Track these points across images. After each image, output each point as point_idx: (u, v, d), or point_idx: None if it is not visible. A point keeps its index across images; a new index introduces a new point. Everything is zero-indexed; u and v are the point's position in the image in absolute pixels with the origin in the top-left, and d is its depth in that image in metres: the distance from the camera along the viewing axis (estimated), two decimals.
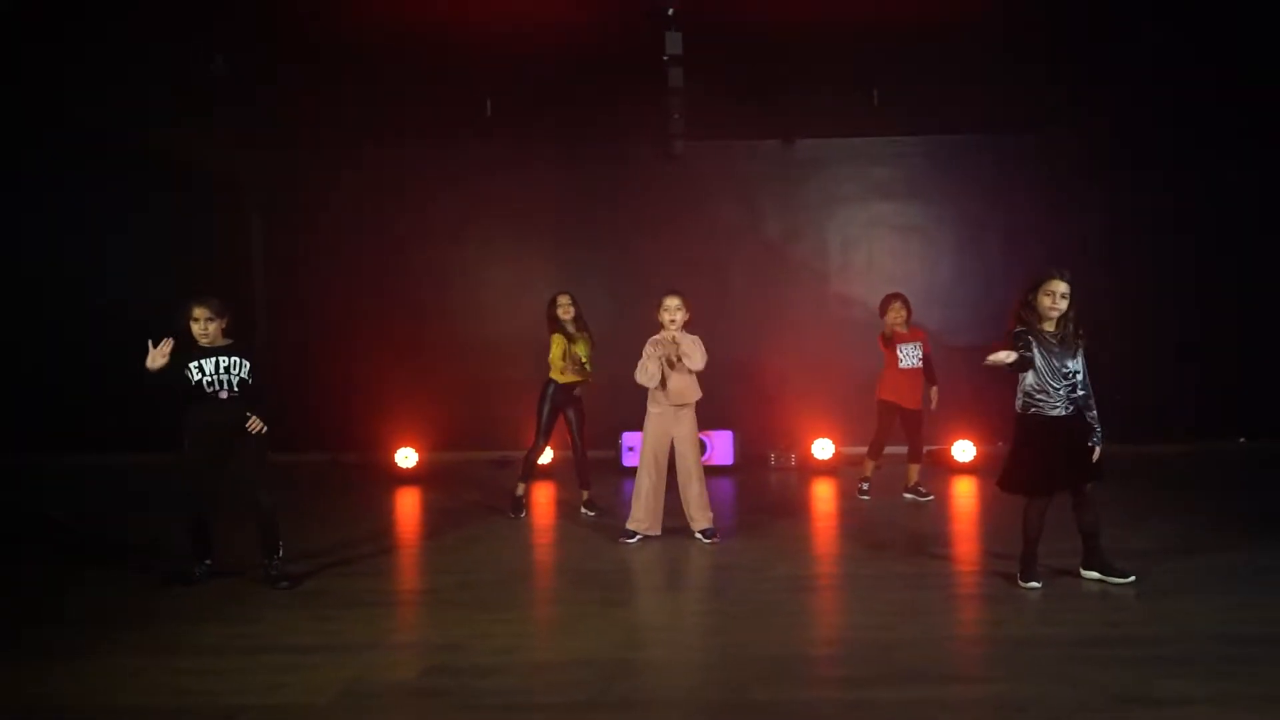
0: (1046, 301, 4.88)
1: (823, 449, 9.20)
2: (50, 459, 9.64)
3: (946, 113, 9.79)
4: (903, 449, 7.72)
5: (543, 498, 8.03)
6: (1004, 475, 5.13)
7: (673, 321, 6.22)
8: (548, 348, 7.13)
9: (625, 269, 10.05)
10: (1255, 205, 9.93)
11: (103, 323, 9.72)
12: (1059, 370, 4.90)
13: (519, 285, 10.00)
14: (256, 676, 3.96)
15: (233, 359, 5.27)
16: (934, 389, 7.61)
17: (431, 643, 4.42)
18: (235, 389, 5.25)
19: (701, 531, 6.30)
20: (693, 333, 6.33)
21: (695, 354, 6.18)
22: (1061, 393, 4.91)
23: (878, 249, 10.41)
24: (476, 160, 10.22)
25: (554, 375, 7.08)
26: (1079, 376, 4.95)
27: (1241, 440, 10.17)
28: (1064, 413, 4.93)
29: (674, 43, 7.08)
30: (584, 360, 7.13)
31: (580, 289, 9.42)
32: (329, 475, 9.31)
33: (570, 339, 7.09)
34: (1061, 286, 4.88)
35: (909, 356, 7.48)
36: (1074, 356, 4.94)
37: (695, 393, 6.34)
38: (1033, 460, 4.98)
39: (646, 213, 10.23)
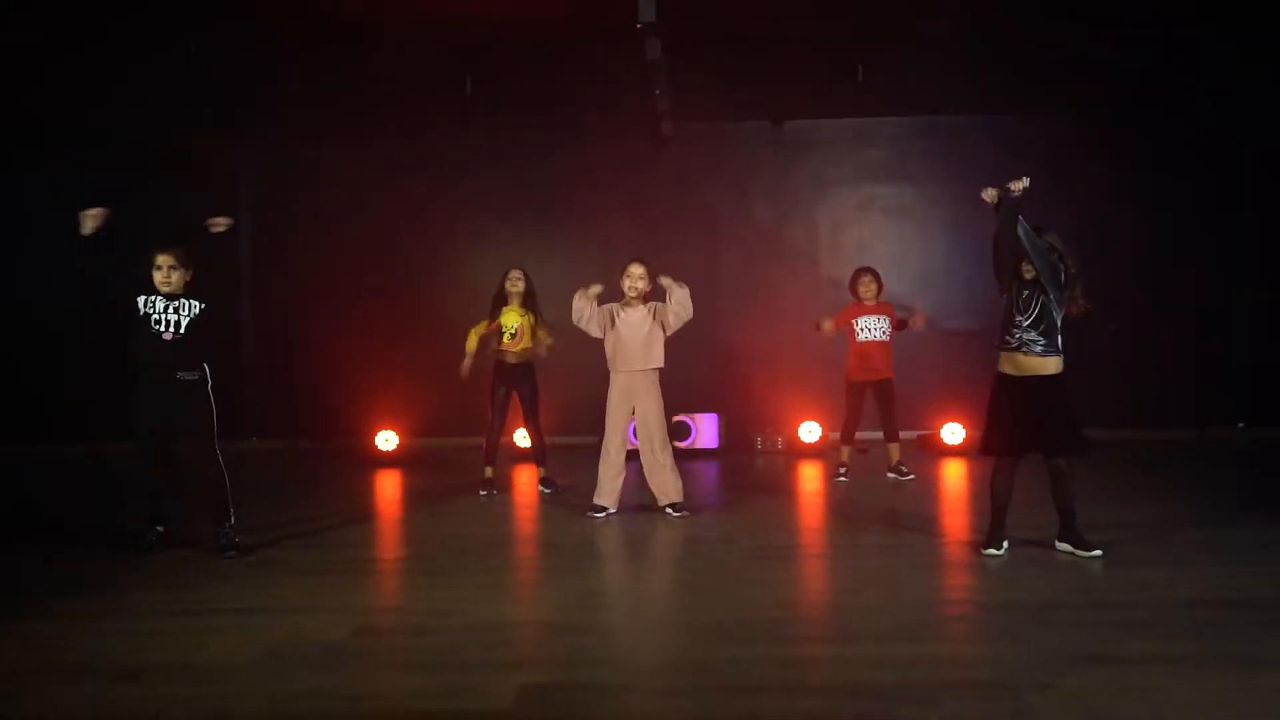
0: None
1: (809, 432, 9.02)
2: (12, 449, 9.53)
3: (939, 93, 9.60)
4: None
5: (523, 480, 7.88)
6: (980, 438, 4.99)
7: (633, 289, 6.12)
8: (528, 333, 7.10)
9: (613, 252, 9.80)
10: (1255, 187, 9.70)
11: (78, 313, 9.62)
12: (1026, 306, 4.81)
13: (502, 270, 9.80)
14: (179, 638, 3.80)
15: (184, 300, 5.11)
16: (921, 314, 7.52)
17: (369, 606, 4.27)
18: (180, 330, 5.07)
19: (669, 506, 6.13)
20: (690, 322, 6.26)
21: (687, 302, 6.10)
22: (1020, 334, 4.78)
23: (869, 232, 10.23)
24: (462, 145, 10.11)
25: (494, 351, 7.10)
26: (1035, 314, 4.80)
27: (1240, 426, 9.94)
28: (1023, 356, 4.76)
29: (647, 9, 6.89)
30: (507, 329, 7.02)
31: (567, 273, 9.34)
32: (309, 459, 9.20)
33: (495, 313, 7.05)
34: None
35: (869, 329, 7.38)
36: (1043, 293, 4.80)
37: (653, 360, 6.16)
38: (997, 420, 4.85)
39: (635, 196, 10.07)
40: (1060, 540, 4.98)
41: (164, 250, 5.13)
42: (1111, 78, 9.06)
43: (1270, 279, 9.74)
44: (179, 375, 5.08)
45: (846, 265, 10.01)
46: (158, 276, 5.09)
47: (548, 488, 7.15)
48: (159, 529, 5.34)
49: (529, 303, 7.16)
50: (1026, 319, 4.77)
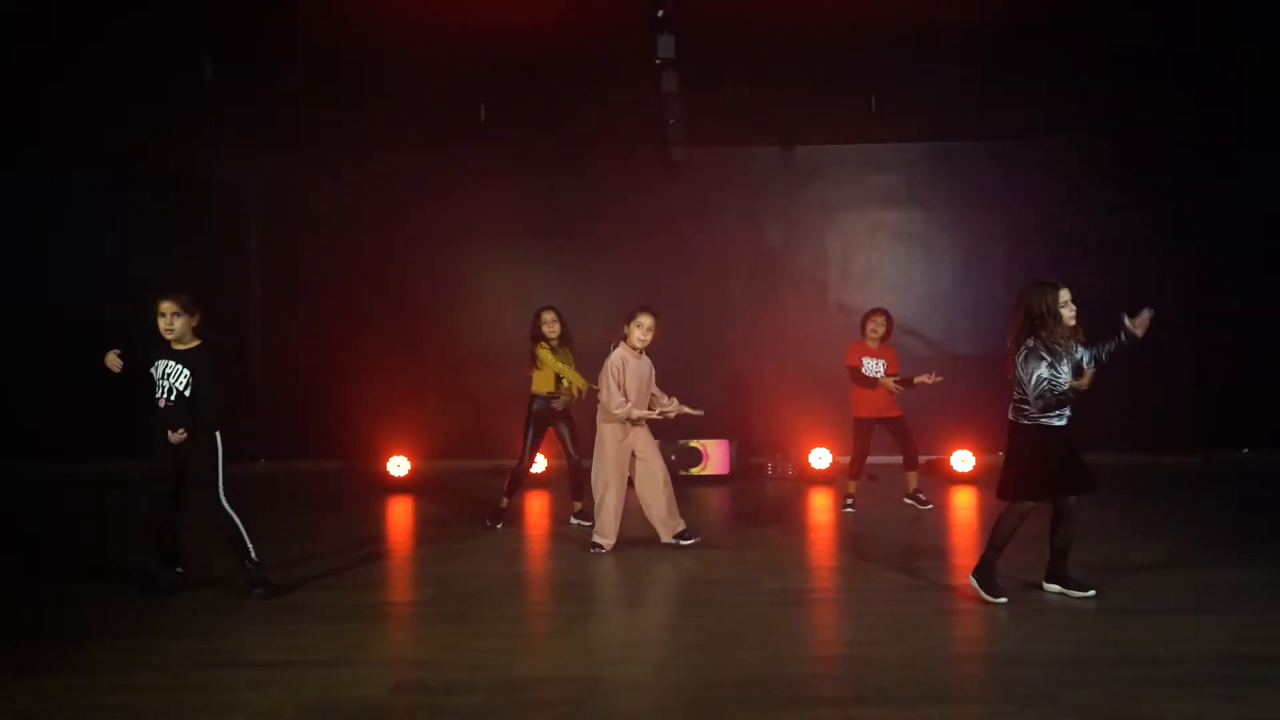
0: (1068, 313, 4.86)
1: (820, 459, 9.05)
2: (17, 468, 9.51)
3: (948, 119, 9.68)
4: (897, 459, 7.62)
5: (536, 508, 7.91)
6: (1005, 484, 4.99)
7: (642, 340, 6.22)
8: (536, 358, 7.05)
9: (623, 277, 9.92)
10: (1257, 212, 9.78)
11: (90, 329, 9.62)
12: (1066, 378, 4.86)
13: (515, 294, 9.84)
14: (215, 695, 3.82)
15: (176, 367, 5.11)
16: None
17: (401, 658, 4.29)
18: (172, 399, 5.09)
19: (678, 536, 6.21)
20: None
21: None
22: (1069, 397, 4.83)
23: (878, 256, 10.28)
24: (473, 168, 10.14)
25: (535, 387, 7.03)
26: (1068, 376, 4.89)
27: (1245, 451, 10.01)
28: (1064, 422, 4.84)
29: (667, 46, 6.96)
30: (580, 389, 7.00)
31: (577, 297, 9.40)
32: (319, 483, 9.20)
33: (554, 352, 7.00)
34: (1068, 293, 4.89)
35: (870, 371, 7.43)
36: (1073, 359, 4.90)
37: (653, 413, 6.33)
38: (1033, 466, 4.86)
39: (645, 220, 10.11)
40: (1048, 580, 5.04)
41: (166, 297, 5.13)
42: (1117, 102, 9.13)
43: (1273, 301, 9.81)
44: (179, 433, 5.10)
45: (855, 289, 10.14)
46: (161, 324, 5.12)
47: (584, 520, 7.02)
48: (178, 570, 5.35)
49: (567, 339, 7.13)
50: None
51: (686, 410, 6.33)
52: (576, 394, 7.04)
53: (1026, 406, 4.83)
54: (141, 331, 5.26)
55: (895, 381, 7.33)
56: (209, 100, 8.74)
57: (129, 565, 5.57)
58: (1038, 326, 4.82)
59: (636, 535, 6.36)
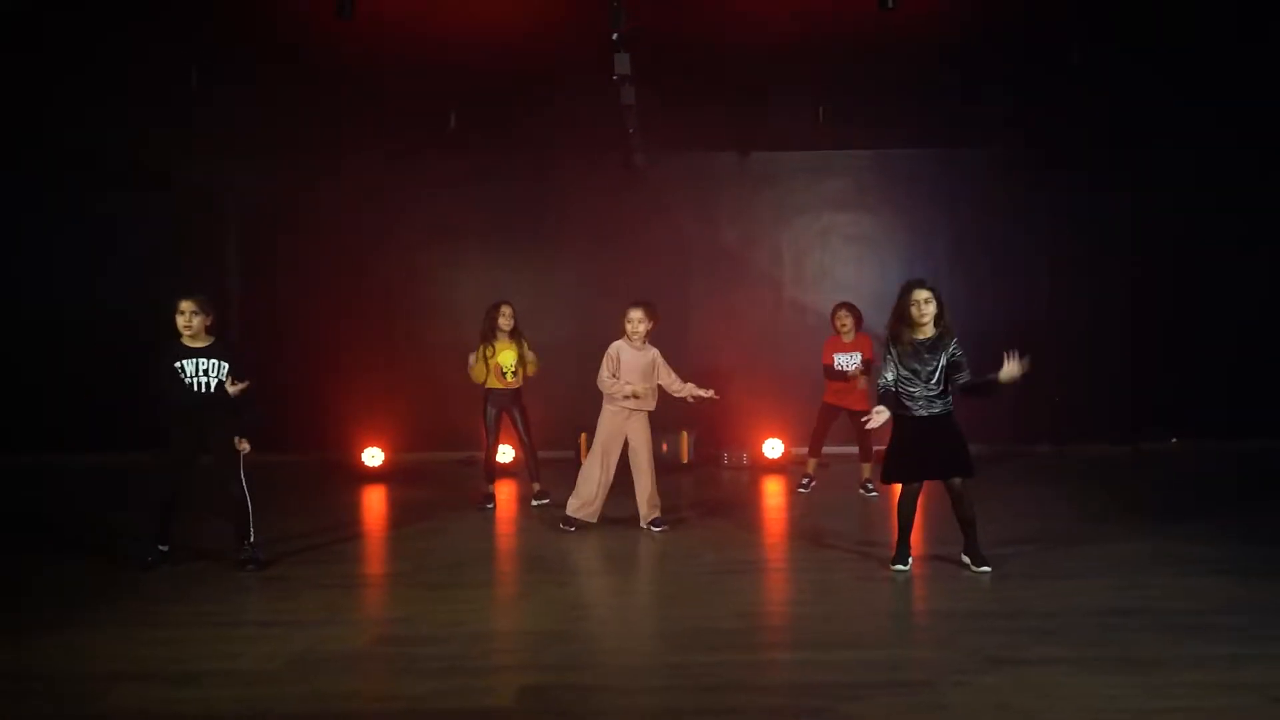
0: (914, 311, 5.35)
1: (773, 449, 9.62)
2: (22, 458, 9.92)
3: (895, 127, 10.26)
4: (852, 449, 8.25)
5: (504, 494, 8.42)
6: (883, 468, 5.63)
7: (636, 332, 6.68)
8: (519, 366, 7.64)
9: (587, 276, 10.43)
10: (1195, 218, 10.40)
11: (73, 327, 10.10)
12: (919, 374, 5.36)
13: (483, 292, 10.24)
14: (217, 646, 4.35)
15: (211, 362, 5.66)
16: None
17: (381, 618, 4.85)
18: (213, 390, 5.64)
19: (651, 523, 6.75)
20: (654, 342, 6.87)
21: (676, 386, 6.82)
22: (921, 397, 5.38)
23: (829, 258, 10.85)
24: (443, 172, 10.55)
25: (487, 382, 7.61)
26: (938, 375, 5.37)
27: (1174, 440, 10.65)
28: (926, 413, 5.40)
29: (623, 63, 7.49)
30: (506, 369, 7.56)
31: (543, 296, 9.92)
32: (297, 473, 9.64)
33: (494, 350, 7.54)
34: (924, 294, 5.36)
35: (844, 365, 7.97)
36: (937, 357, 5.35)
37: (652, 402, 6.79)
38: (900, 454, 5.48)
39: (608, 222, 10.59)
40: (964, 553, 5.60)
41: (187, 296, 5.66)
42: (1059, 112, 9.78)
43: (1211, 295, 10.48)
44: (210, 419, 5.66)
45: (808, 289, 10.72)
46: (180, 321, 5.63)
47: (543, 499, 7.69)
48: (162, 548, 5.81)
49: (516, 334, 7.68)
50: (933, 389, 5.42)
51: (699, 393, 6.76)
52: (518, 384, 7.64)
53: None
54: (117, 334, 5.75)
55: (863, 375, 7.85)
56: (189, 104, 9.19)
57: (115, 544, 6.08)
58: (891, 327, 5.45)
59: (607, 515, 6.87)
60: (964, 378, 5.34)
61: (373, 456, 9.44)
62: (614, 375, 6.66)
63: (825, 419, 8.09)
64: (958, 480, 5.44)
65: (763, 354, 10.44)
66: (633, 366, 6.71)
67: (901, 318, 5.41)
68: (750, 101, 9.72)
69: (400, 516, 7.50)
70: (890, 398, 5.45)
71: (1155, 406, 10.53)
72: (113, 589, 5.29)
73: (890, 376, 5.43)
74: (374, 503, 8.20)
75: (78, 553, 6.17)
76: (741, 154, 10.84)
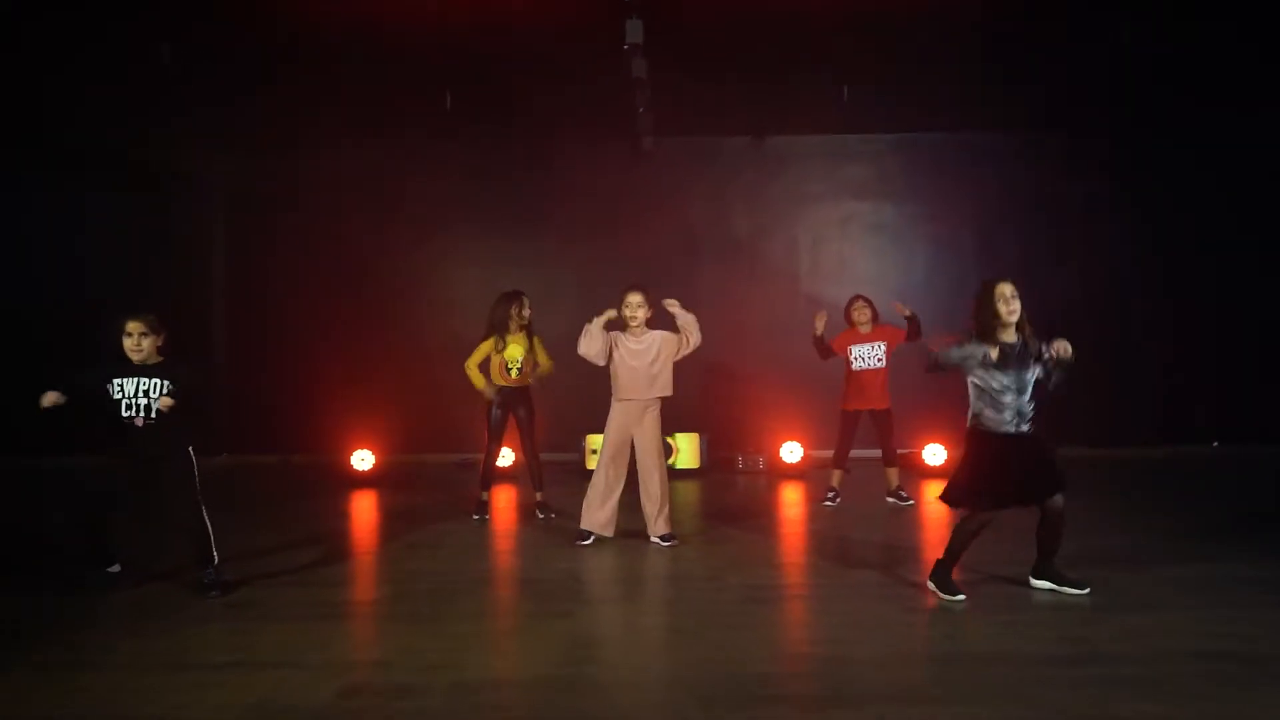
0: (1002, 309, 4.65)
1: (791, 452, 8.97)
2: None
3: (921, 110, 9.58)
4: (873, 453, 7.54)
5: (502, 501, 7.78)
6: (947, 487, 4.93)
7: (634, 318, 6.03)
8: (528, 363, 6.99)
9: (592, 267, 9.79)
10: (1233, 208, 9.78)
11: (53, 324, 9.40)
12: (1010, 386, 4.68)
13: (481, 285, 9.62)
14: (160, 696, 3.66)
15: (153, 381, 4.97)
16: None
17: (353, 660, 4.12)
18: (153, 416, 4.94)
19: (660, 537, 6.07)
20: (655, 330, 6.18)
21: (693, 329, 6.05)
22: (1011, 408, 4.69)
23: (849, 248, 10.21)
24: (441, 159, 9.99)
25: (492, 378, 6.95)
26: (1029, 391, 4.72)
27: (1215, 445, 10.03)
28: (1014, 430, 4.71)
29: (635, 31, 6.83)
30: (512, 366, 6.91)
31: (546, 288, 9.25)
32: (282, 477, 9.02)
33: (505, 344, 6.89)
34: (1009, 288, 4.68)
35: (864, 358, 7.29)
36: (1029, 368, 4.70)
37: (657, 389, 6.08)
38: (974, 475, 4.78)
39: (614, 210, 10.00)
40: (1037, 576, 4.96)
41: (134, 317, 5.00)
42: (1089, 94, 9.08)
43: (1246, 296, 9.82)
44: (152, 455, 4.97)
45: (826, 282, 10.06)
46: (128, 344, 4.98)
47: (545, 513, 7.04)
48: (112, 570, 5.22)
49: (529, 330, 7.04)
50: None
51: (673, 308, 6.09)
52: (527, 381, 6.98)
53: (970, 410, 4.79)
54: (101, 332, 5.11)
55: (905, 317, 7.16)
56: (170, 90, 8.53)
57: (64, 567, 5.37)
58: (976, 333, 4.73)
59: (620, 528, 6.24)
60: (1057, 376, 4.74)
61: (362, 460, 8.79)
62: (605, 357, 6.05)
63: (848, 428, 7.42)
64: (1059, 498, 4.76)
65: (778, 351, 9.79)
66: (637, 356, 6.06)
67: (986, 320, 4.70)
68: (764, 81, 9.00)
69: (387, 529, 6.83)
70: (939, 362, 4.74)
71: (1195, 408, 9.90)
72: (52, 618, 4.61)
73: (957, 355, 4.69)
74: (360, 512, 7.53)
75: (23, 569, 5.50)
76: (756, 137, 10.17)
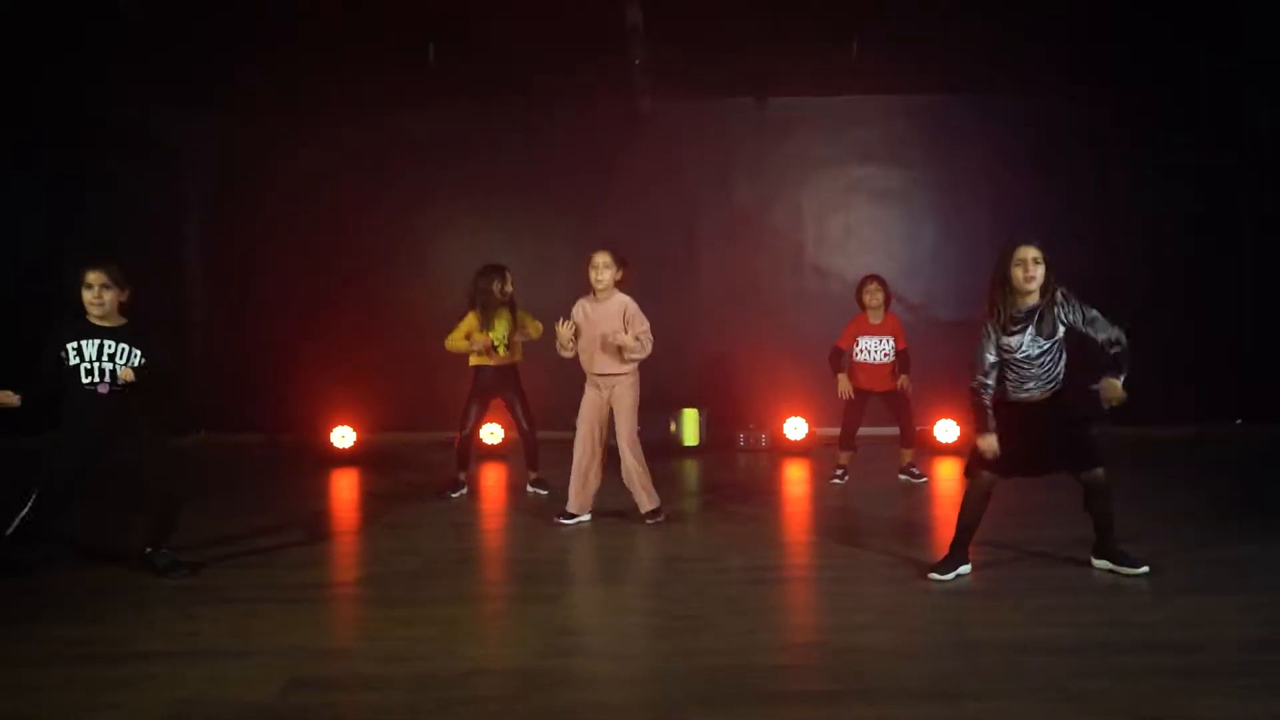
0: (1019, 273, 4.26)
1: (795, 429, 8.50)
2: None
3: (931, 71, 9.06)
4: (890, 430, 7.14)
5: (491, 480, 7.33)
6: (970, 460, 4.54)
7: (599, 280, 5.60)
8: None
9: (588, 238, 9.20)
10: (1255, 177, 9.28)
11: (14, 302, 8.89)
12: (1023, 351, 4.31)
13: (469, 257, 9.11)
14: (71, 696, 3.20)
15: (120, 346, 4.48)
16: (904, 377, 6.89)
17: (308, 648, 3.64)
18: (117, 384, 4.46)
19: (646, 514, 5.67)
20: (643, 301, 5.70)
21: (635, 345, 5.51)
22: (1032, 372, 4.32)
23: (856, 216, 9.70)
24: (424, 126, 9.47)
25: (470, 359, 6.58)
26: (1051, 352, 4.32)
27: (1239, 422, 9.58)
28: (1036, 395, 4.34)
29: None
30: (498, 343, 6.48)
31: (536, 261, 8.79)
32: (257, 455, 8.57)
33: (488, 320, 6.47)
34: (1031, 252, 4.26)
35: (869, 351, 6.89)
36: (1047, 335, 4.29)
37: (618, 365, 5.62)
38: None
39: (610, 176, 9.48)
40: (1096, 556, 4.57)
41: (95, 267, 4.49)
42: (1108, 60, 8.58)
43: (1269, 271, 9.36)
44: (115, 428, 4.49)
45: (832, 251, 9.58)
46: (87, 296, 4.47)
47: (542, 489, 6.64)
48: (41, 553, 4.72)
49: (511, 304, 6.64)
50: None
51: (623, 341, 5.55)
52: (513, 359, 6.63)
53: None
54: (65, 304, 4.63)
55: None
56: (140, 52, 8.03)
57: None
58: (990, 296, 4.38)
59: (606, 508, 5.85)
60: (1117, 342, 4.28)
61: (343, 437, 8.34)
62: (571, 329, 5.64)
63: (855, 407, 6.99)
64: (1099, 470, 4.37)
65: (782, 323, 9.32)
66: (591, 321, 5.62)
67: (1002, 284, 4.31)
68: (767, 39, 8.49)
69: (366, 509, 6.36)
70: (984, 398, 4.36)
71: (1219, 385, 9.43)
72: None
73: (989, 365, 4.35)
74: (340, 491, 7.07)
75: None
76: (758, 99, 9.65)
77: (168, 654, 3.56)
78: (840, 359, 7.03)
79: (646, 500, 5.69)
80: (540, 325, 6.63)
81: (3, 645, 3.69)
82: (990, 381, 4.35)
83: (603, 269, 5.59)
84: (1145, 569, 4.42)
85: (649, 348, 5.55)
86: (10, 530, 4.51)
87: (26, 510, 4.51)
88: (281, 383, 9.29)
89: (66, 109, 8.95)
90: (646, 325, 5.57)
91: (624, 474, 5.70)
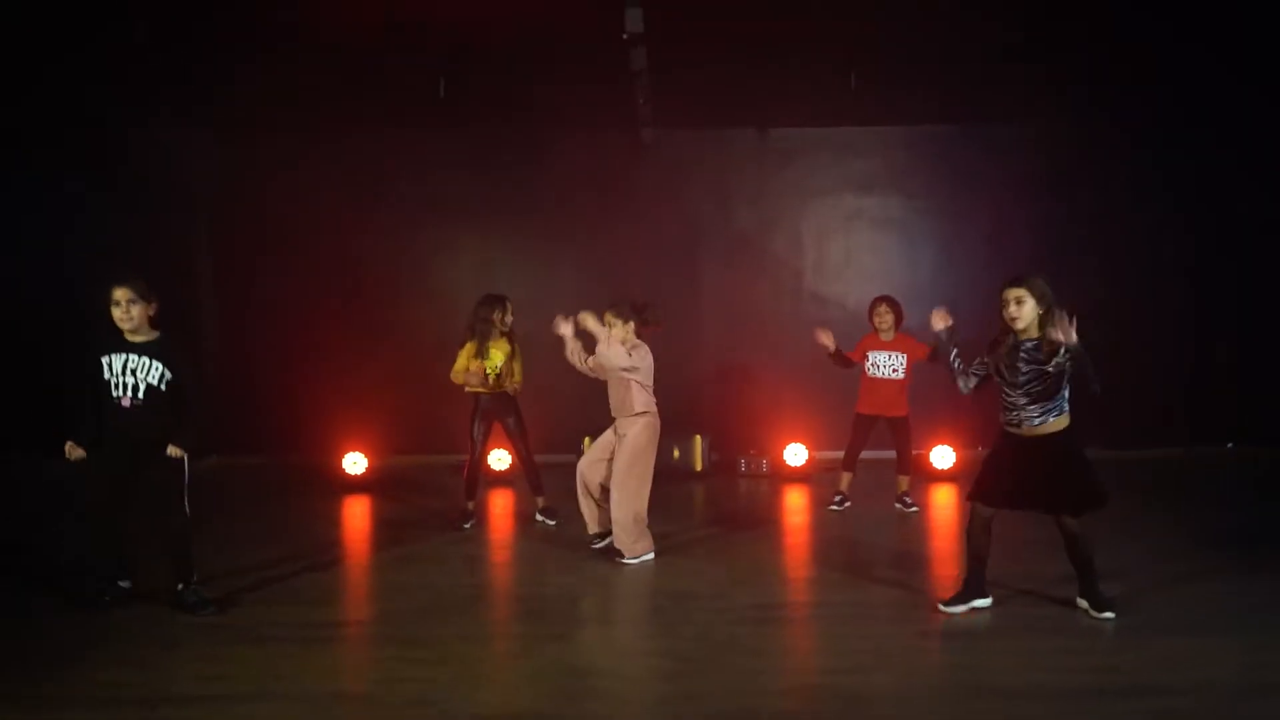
0: (1003, 311, 4.54)
1: (796, 455, 8.65)
2: None
3: (929, 101, 9.24)
4: (888, 454, 7.26)
5: (499, 507, 7.48)
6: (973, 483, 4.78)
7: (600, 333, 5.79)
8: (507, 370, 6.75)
9: (590, 264, 9.48)
10: (1253, 200, 9.45)
11: (18, 323, 9.05)
12: (1013, 382, 4.53)
13: (477, 283, 9.30)
14: None
15: (143, 360, 4.66)
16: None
17: (328, 691, 3.82)
18: (140, 396, 4.63)
19: (594, 537, 5.96)
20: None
21: (599, 330, 5.72)
22: (1014, 406, 4.54)
23: (855, 244, 9.87)
24: (432, 152, 9.63)
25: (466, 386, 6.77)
26: (1040, 385, 4.49)
27: (1230, 446, 9.74)
28: (1017, 430, 4.54)
29: (635, 19, 6.47)
30: (490, 372, 6.65)
31: (543, 284, 8.96)
32: (269, 481, 8.71)
33: (484, 349, 6.63)
34: (1014, 293, 4.51)
35: (879, 366, 7.01)
36: (1039, 367, 4.46)
37: (625, 408, 5.77)
38: (987, 473, 4.65)
39: (612, 204, 9.66)
40: (1079, 595, 4.71)
41: (121, 284, 4.67)
42: (1102, 86, 8.75)
43: (1265, 292, 9.52)
44: (139, 441, 4.67)
45: (831, 278, 9.75)
46: (116, 313, 4.66)
47: (549, 519, 6.79)
48: (123, 584, 4.96)
49: (512, 337, 6.79)
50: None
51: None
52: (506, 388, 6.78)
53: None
54: (81, 325, 4.82)
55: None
56: (148, 75, 8.17)
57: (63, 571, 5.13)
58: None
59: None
60: (1095, 386, 4.52)
61: (354, 463, 8.46)
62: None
63: (861, 431, 7.13)
64: (1069, 520, 4.52)
65: (782, 349, 9.47)
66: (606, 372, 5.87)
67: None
68: (769, 72, 8.66)
69: (379, 538, 6.52)
70: (949, 360, 4.88)
71: (1211, 408, 9.60)
72: (12, 643, 4.32)
73: (977, 363, 4.76)
74: (352, 519, 7.23)
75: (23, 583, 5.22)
76: (759, 130, 9.83)
77: (188, 698, 3.73)
78: (842, 360, 7.11)
79: (619, 531, 5.69)
80: (520, 379, 6.80)
81: (47, 687, 3.84)
82: (970, 370, 4.74)
83: (610, 324, 5.80)
84: (1110, 614, 4.53)
85: (606, 364, 5.67)
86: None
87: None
88: (292, 407, 9.44)
89: (66, 109, 9.08)
90: (620, 362, 5.62)
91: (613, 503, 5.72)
